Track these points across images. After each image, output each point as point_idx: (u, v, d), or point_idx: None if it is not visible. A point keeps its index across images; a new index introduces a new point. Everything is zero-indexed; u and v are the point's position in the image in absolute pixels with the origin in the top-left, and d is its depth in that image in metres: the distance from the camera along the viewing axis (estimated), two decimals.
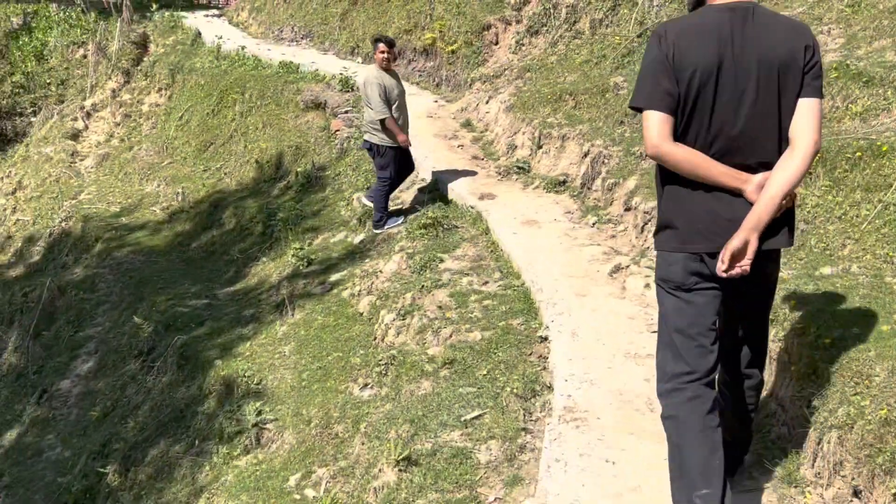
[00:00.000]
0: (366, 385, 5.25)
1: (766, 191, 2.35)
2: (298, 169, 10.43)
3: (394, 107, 7.46)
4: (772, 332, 3.64)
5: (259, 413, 5.34)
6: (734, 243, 2.33)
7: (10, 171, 14.43)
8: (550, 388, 4.18)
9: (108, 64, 15.97)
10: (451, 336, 5.21)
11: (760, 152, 2.42)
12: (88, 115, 15.15)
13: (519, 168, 8.37)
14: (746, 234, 2.34)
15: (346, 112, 11.15)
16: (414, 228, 7.22)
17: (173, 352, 6.97)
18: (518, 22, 11.21)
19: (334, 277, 7.32)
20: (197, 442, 5.69)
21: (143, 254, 10.61)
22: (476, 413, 4.08)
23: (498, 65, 10.93)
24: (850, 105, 5.66)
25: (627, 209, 6.54)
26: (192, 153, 12.99)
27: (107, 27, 16.87)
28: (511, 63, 10.70)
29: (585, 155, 7.64)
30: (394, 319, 5.80)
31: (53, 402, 8.13)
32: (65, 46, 16.98)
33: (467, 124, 10.14)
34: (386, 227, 7.72)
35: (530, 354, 4.73)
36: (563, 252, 6.12)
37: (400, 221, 7.71)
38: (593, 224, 6.70)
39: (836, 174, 4.73)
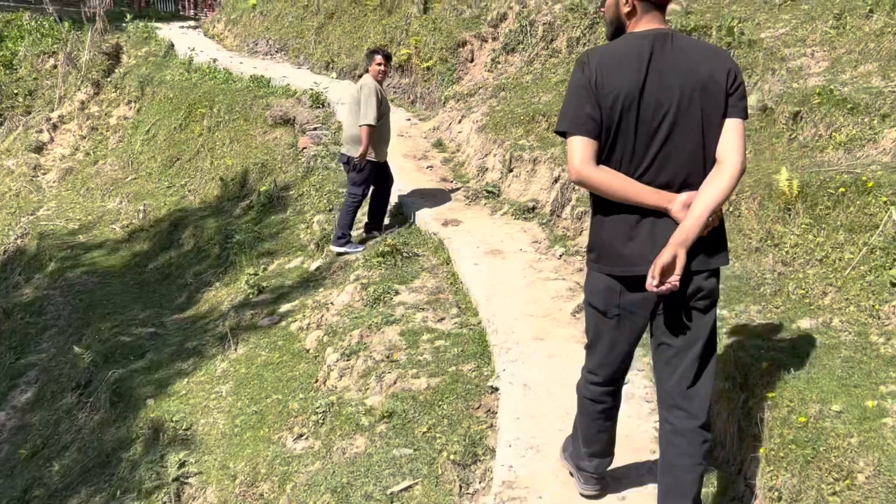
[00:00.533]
0: (300, 436, 4.74)
1: (693, 208, 2.38)
2: (262, 188, 9.94)
3: (380, 122, 7.02)
4: (739, 399, 3.17)
5: (182, 465, 4.82)
6: (663, 258, 2.35)
7: None
8: (494, 452, 3.68)
9: (78, 75, 15.45)
10: (395, 382, 4.71)
11: (684, 173, 2.45)
12: (55, 126, 14.62)
13: (488, 192, 7.91)
14: (674, 248, 2.36)
15: (315, 129, 10.69)
16: (371, 256, 6.74)
17: (107, 387, 6.43)
18: (494, 39, 10.79)
19: (284, 308, 6.81)
20: (118, 493, 5.15)
21: (98, 275, 10.06)
22: (406, 484, 3.58)
23: (473, 83, 10.50)
24: (833, 133, 5.24)
25: None
26: (157, 168, 12.48)
27: (79, 37, 16.36)
28: (486, 81, 10.27)
29: (556, 180, 7.19)
30: (338, 360, 5.30)
31: None
32: (35, 56, 16.45)
33: (439, 144, 9.69)
34: (345, 248, 7.21)
35: (478, 408, 4.23)
36: (525, 287, 5.65)
37: (360, 249, 7.21)
38: (560, 256, 6.23)
39: (817, 211, 4.28)
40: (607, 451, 3.00)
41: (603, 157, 2.45)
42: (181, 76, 13.83)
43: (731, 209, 4.98)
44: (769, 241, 4.47)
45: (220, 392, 5.79)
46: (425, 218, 7.34)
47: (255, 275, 7.67)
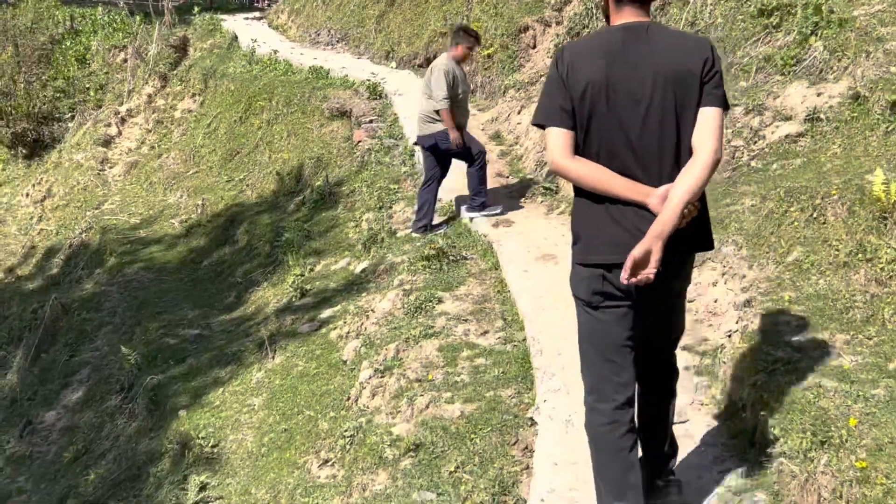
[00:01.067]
0: (326, 461, 4.35)
1: (668, 200, 2.34)
2: (317, 183, 9.63)
3: (457, 103, 6.69)
4: (819, 462, 2.58)
5: (203, 488, 4.52)
6: (637, 251, 2.33)
7: (41, 178, 14.13)
8: None
9: (146, 68, 15.55)
10: (427, 407, 4.26)
11: (661, 165, 2.43)
12: (123, 120, 14.75)
13: (546, 189, 7.34)
14: (650, 242, 2.33)
15: (371, 122, 10.31)
16: (416, 260, 6.30)
17: (145, 394, 6.23)
18: (558, 23, 10.14)
19: (326, 313, 6.45)
20: None
21: (154, 271, 9.99)
22: None
23: (534, 70, 9.90)
24: None
25: None
26: (217, 162, 12.38)
27: (148, 31, 16.49)
28: (549, 69, 9.65)
29: None
30: (371, 376, 4.89)
31: (35, 437, 7.51)
32: (106, 50, 16.69)
33: (496, 136, 9.15)
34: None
35: (514, 443, 3.74)
36: None
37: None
38: None
39: None
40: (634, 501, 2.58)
41: (581, 149, 2.46)
42: (243, 68, 13.70)
43: (814, 214, 4.32)
44: (860, 255, 3.80)
45: (252, 405, 5.48)
46: (476, 217, 6.85)
47: (301, 275, 7.35)
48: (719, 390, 3.59)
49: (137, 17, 17.69)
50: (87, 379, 8.05)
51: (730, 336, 4.00)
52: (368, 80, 11.14)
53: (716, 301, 4.56)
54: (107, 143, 14.22)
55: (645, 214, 2.39)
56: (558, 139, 2.43)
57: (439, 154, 6.84)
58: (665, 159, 2.42)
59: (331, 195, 8.97)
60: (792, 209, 4.51)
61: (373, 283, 6.58)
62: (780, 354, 3.41)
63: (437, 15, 12.09)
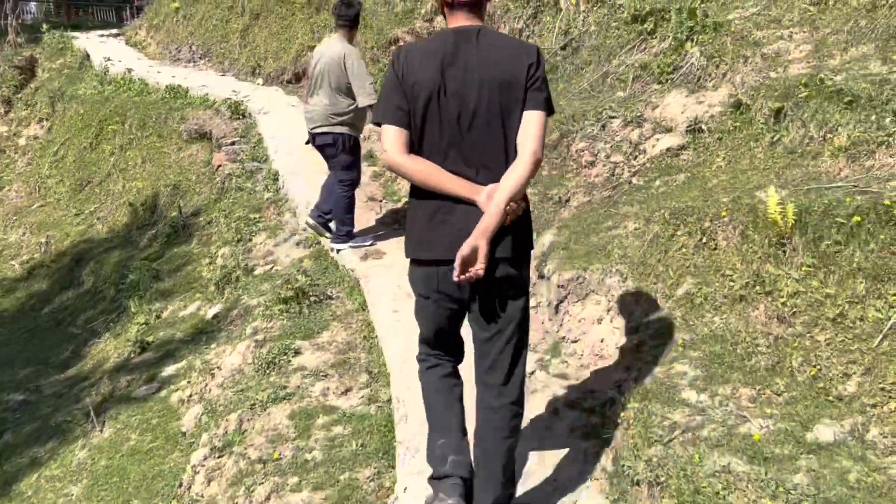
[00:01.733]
0: None
1: (493, 198, 2.42)
2: (172, 214, 8.61)
3: None
4: None
5: None
6: (464, 250, 2.37)
7: None
8: None
9: None
10: (268, 498, 3.45)
11: (488, 165, 2.50)
12: None
13: None
14: (475, 240, 2.39)
15: (233, 143, 9.37)
16: (272, 302, 5.47)
17: None
18: (429, 34, 9.53)
19: (168, 370, 5.52)
20: None
21: None
22: None
23: None
24: (829, 135, 4.08)
25: (540, 276, 4.87)
26: (66, 194, 11.07)
27: None
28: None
29: None
30: (206, 456, 4.03)
31: None
32: None
33: (368, 156, 8.41)
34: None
35: None
36: None
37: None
38: None
39: (822, 248, 3.10)
40: (460, 446, 2.73)
41: (416, 148, 2.50)
42: (94, 89, 12.41)
43: (704, 239, 3.80)
44: (758, 288, 3.28)
45: (70, 495, 4.49)
46: (343, 251, 6.08)
47: (146, 324, 6.38)
48: (610, 460, 2.97)
49: None
50: None
51: (619, 387, 3.41)
52: (230, 99, 10.17)
53: (602, 341, 3.99)
54: None
55: (471, 211, 2.45)
56: (393, 136, 2.48)
57: (330, 157, 6.05)
58: (493, 161, 2.49)
59: (185, 228, 7.99)
60: (679, 233, 3.99)
61: (224, 332, 5.70)
62: (678, 418, 2.82)
63: (305, 28, 11.27)
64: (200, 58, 13.03)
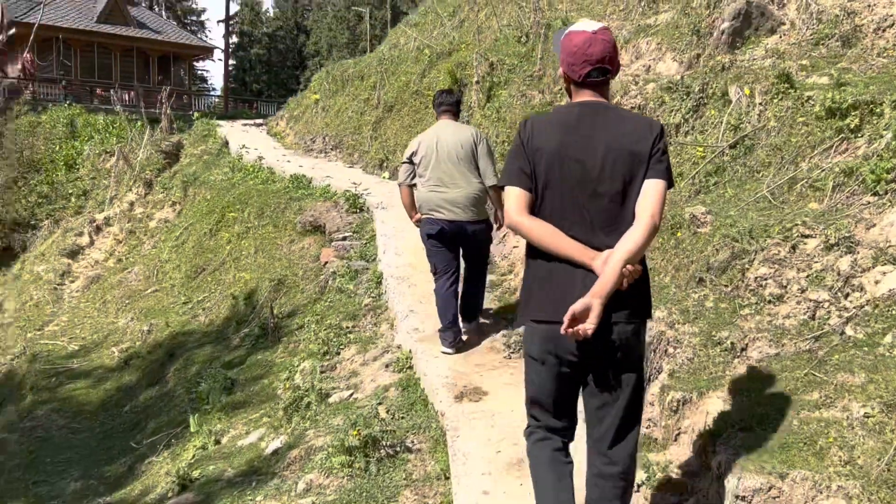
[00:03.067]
0: None
1: (609, 260, 2.41)
2: (265, 314, 7.65)
3: None
4: None
5: None
6: (576, 306, 2.34)
7: None
8: None
9: (132, 174, 14.10)
10: None
11: (606, 231, 2.49)
12: (98, 229, 13.16)
13: None
14: (590, 299, 2.35)
15: (344, 239, 8.42)
16: (334, 451, 4.15)
17: None
18: None
19: None
20: None
21: (68, 414, 7.97)
22: None
23: None
24: None
25: (704, 460, 3.26)
26: (180, 280, 10.53)
27: (140, 136, 15.18)
28: None
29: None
30: None
31: None
32: (97, 155, 15.39)
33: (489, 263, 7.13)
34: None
35: None
36: None
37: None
38: (639, 484, 3.43)
39: None
40: None
41: (537, 211, 2.52)
42: (224, 176, 12.09)
43: None
44: None
45: None
46: (435, 382, 4.72)
47: (203, 448, 5.25)
48: None
49: (139, 123, 16.49)
50: None
51: None
52: (348, 191, 9.33)
53: None
54: (73, 254, 12.57)
55: (588, 276, 2.42)
56: (516, 198, 2.50)
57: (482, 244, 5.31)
58: (611, 226, 2.48)
59: (276, 330, 6.96)
60: None
61: (276, 479, 4.41)
62: None
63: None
64: (332, 149, 12.50)
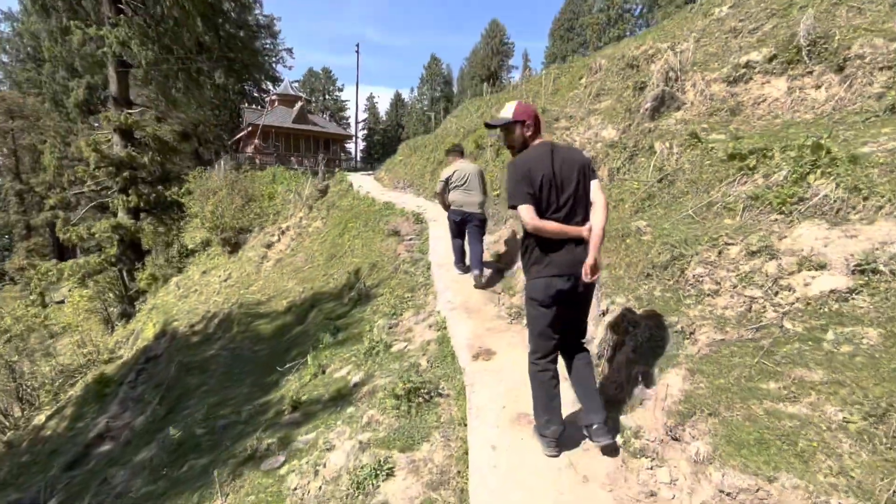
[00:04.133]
0: None
1: (593, 230, 2.27)
2: (367, 283, 6.59)
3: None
4: None
5: None
6: (589, 261, 2.22)
7: (228, 267, 11.71)
8: None
9: (301, 202, 13.20)
10: None
11: (582, 213, 2.31)
12: (283, 232, 12.30)
13: None
14: (594, 254, 2.23)
15: (411, 240, 7.28)
16: (388, 395, 3.05)
17: None
18: None
19: (301, 439, 3.24)
20: None
21: (256, 340, 7.07)
22: None
23: None
24: None
25: (671, 432, 2.02)
26: (322, 262, 9.55)
27: (306, 181, 14.27)
28: None
29: (604, 314, 3.20)
30: None
31: (100, 497, 4.46)
32: (284, 192, 14.54)
33: (498, 259, 5.92)
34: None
35: None
36: None
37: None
38: (616, 449, 2.22)
39: None
40: (558, 419, 2.32)
41: (542, 213, 2.26)
42: (348, 202, 11.06)
43: None
44: None
45: None
46: (460, 342, 3.57)
47: (315, 375, 4.22)
48: None
49: (308, 175, 15.63)
50: (162, 442, 5.03)
51: None
52: (413, 211, 8.18)
53: None
54: (268, 246, 11.74)
55: (581, 245, 2.26)
56: (529, 210, 2.27)
57: (479, 227, 4.83)
58: (584, 211, 2.30)
59: (367, 297, 5.88)
60: None
61: (353, 406, 3.34)
62: None
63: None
64: (407, 187, 11.35)
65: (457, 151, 5.10)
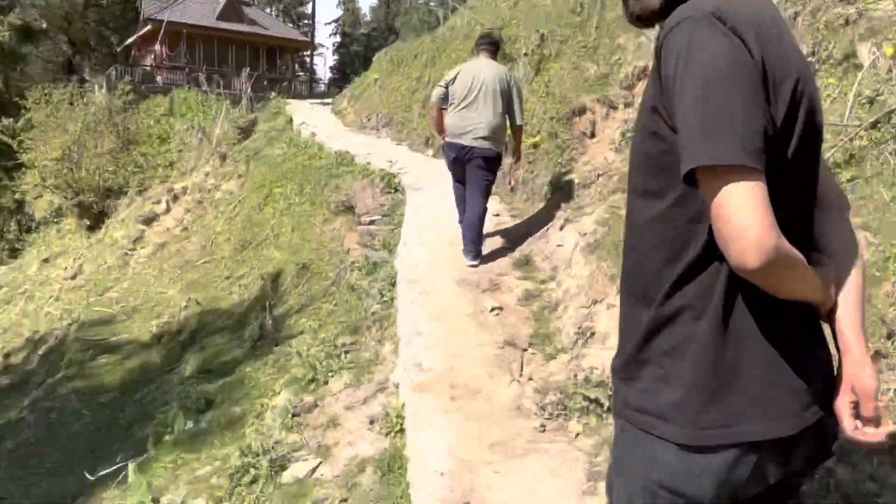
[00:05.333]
0: None
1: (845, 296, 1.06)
2: (281, 308, 5.45)
3: None
4: None
5: None
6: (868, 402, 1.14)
7: (82, 254, 10.72)
8: None
9: (210, 150, 12.09)
10: None
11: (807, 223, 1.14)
12: (176, 197, 11.24)
13: (588, 401, 2.82)
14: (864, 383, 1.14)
15: (371, 222, 6.11)
16: None
17: None
18: (627, 105, 5.66)
19: None
20: None
21: (86, 395, 6.04)
22: None
23: (591, 168, 5.42)
24: None
25: None
26: (229, 253, 8.46)
27: (224, 114, 13.13)
28: (610, 167, 5.17)
29: None
30: None
31: None
32: (185, 131, 13.45)
33: (525, 262, 4.69)
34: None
35: None
36: None
37: None
38: None
39: None
40: None
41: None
42: (280, 151, 9.90)
43: None
44: None
45: None
46: (424, 479, 2.38)
47: None
48: None
49: (228, 101, 14.44)
50: None
51: None
52: (385, 170, 6.98)
53: None
54: (149, 220, 10.70)
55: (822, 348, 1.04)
56: (757, 198, 0.84)
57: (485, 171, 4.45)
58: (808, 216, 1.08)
59: (272, 336, 4.75)
60: None
61: None
62: None
63: None
64: (383, 126, 10.12)
65: (487, 45, 4.57)
